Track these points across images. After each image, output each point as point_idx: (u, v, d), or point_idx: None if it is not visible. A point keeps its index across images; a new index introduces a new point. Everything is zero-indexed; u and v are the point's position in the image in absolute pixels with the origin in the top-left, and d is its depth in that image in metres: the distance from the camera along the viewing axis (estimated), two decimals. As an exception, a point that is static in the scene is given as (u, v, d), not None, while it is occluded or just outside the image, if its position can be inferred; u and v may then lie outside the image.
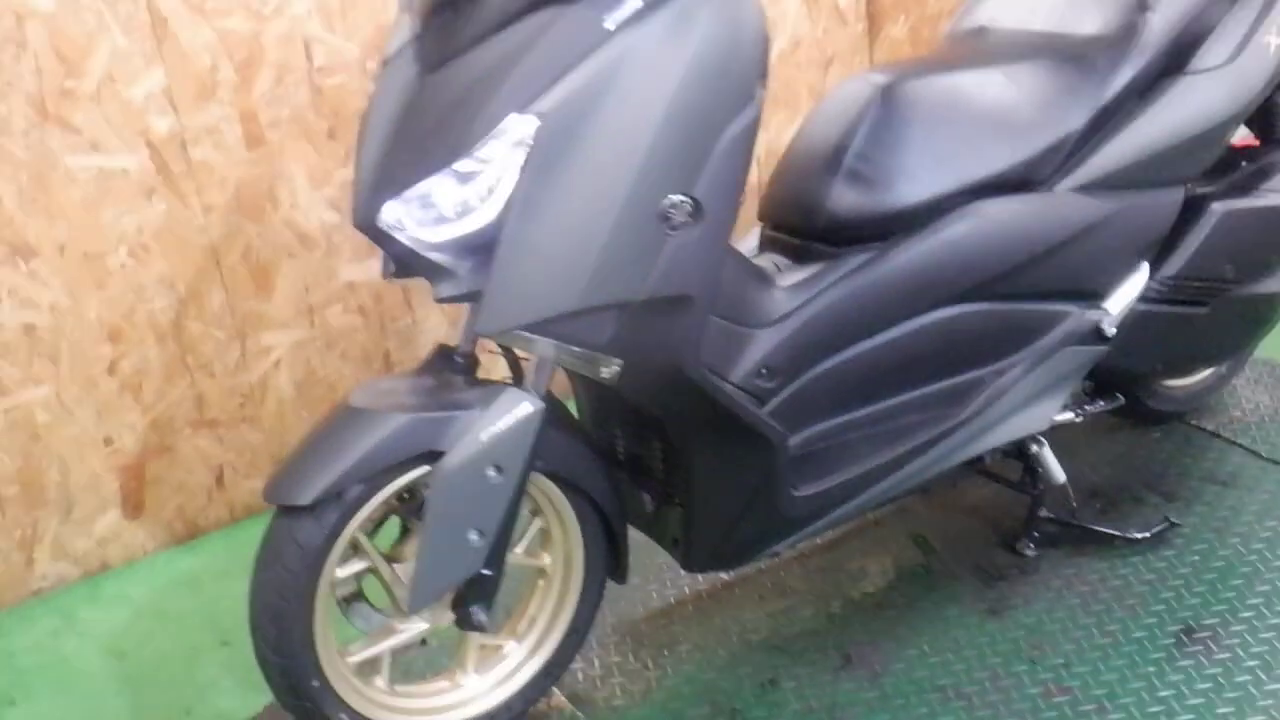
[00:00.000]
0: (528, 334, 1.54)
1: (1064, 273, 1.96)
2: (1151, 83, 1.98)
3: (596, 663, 2.05)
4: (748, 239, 2.02)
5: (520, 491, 1.66)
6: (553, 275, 1.51)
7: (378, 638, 1.77)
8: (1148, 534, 2.15)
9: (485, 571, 1.69)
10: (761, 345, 1.79)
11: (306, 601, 1.63)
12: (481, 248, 1.50)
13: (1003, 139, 1.90)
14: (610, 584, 1.90)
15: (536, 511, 1.84)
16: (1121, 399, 2.21)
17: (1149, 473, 2.41)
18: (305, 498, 1.58)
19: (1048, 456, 2.10)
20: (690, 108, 1.51)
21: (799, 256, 1.91)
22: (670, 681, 1.98)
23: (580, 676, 2.02)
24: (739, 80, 1.55)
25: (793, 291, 1.84)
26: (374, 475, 1.61)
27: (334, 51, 2.62)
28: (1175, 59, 1.98)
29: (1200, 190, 2.12)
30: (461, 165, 1.49)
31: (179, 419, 2.66)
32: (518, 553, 1.83)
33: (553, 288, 1.51)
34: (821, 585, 2.19)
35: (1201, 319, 2.13)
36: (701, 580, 2.23)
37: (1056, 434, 2.14)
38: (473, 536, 1.64)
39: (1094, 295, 2.00)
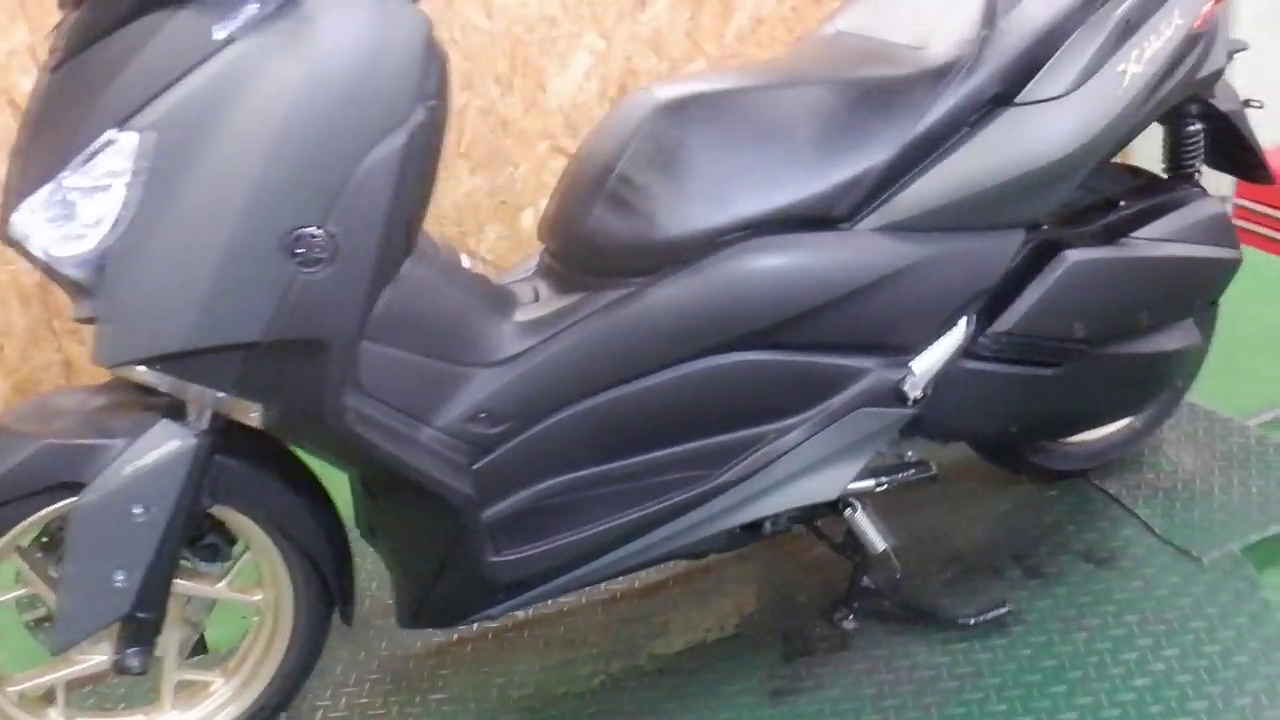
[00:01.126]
0: (144, 369, 1.38)
1: (861, 324, 1.70)
2: (978, 114, 1.68)
3: (344, 701, 1.91)
4: (528, 262, 1.81)
5: (174, 531, 1.52)
6: (161, 308, 1.35)
7: (52, 668, 1.66)
8: (976, 619, 1.88)
9: (140, 614, 1.55)
10: (480, 386, 1.59)
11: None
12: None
13: (794, 168, 1.64)
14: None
15: (248, 546, 1.69)
16: (933, 469, 1.91)
17: (1022, 540, 2.12)
18: None
19: (862, 522, 1.85)
20: (313, 130, 1.33)
21: (563, 287, 1.70)
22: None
23: (321, 716, 1.87)
24: (382, 100, 1.35)
25: (530, 327, 1.64)
26: (6, 502, 1.48)
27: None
28: (1005, 88, 1.68)
29: (1050, 236, 1.82)
30: (70, 179, 1.33)
31: (45, 383, 2.61)
32: (220, 587, 1.69)
33: (161, 322, 1.36)
34: (614, 639, 1.99)
35: (1055, 381, 1.84)
36: (495, 620, 2.04)
37: (938, 484, 1.93)
38: (118, 577, 1.51)
39: (898, 350, 1.73)
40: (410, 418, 1.55)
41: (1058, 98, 1.68)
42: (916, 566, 2.06)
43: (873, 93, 1.66)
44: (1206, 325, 2.11)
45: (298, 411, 1.45)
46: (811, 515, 1.85)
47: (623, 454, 1.68)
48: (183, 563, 1.63)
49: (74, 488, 1.48)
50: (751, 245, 1.64)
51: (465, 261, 1.70)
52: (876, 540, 1.86)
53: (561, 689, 1.90)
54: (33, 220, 1.36)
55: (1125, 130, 1.75)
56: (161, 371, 1.38)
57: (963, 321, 1.74)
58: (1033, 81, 1.67)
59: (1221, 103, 1.99)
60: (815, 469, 1.73)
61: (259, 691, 1.75)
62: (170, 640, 1.69)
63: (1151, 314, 1.88)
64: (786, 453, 1.70)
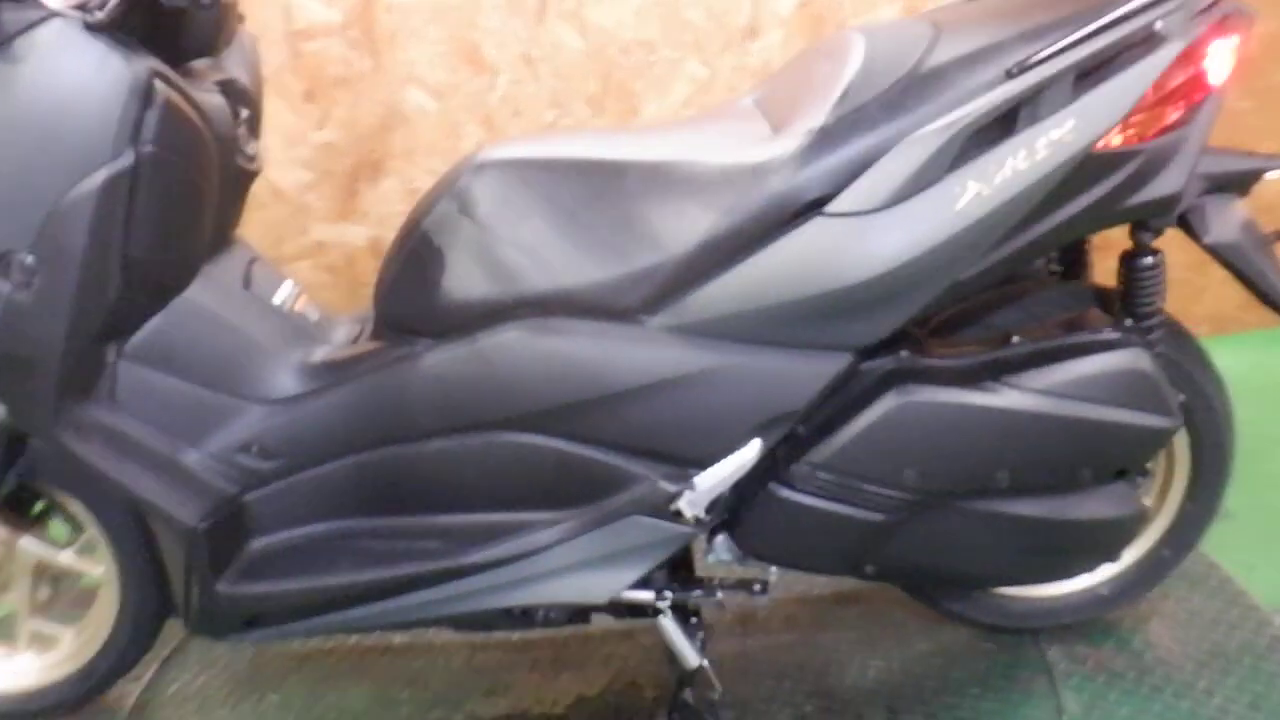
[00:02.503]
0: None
1: (639, 426, 1.57)
2: (790, 218, 1.49)
3: (199, 681, 2.04)
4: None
5: None
6: None
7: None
8: None
9: None
10: (255, 420, 1.64)
11: None
12: None
13: (590, 251, 1.54)
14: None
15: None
16: (763, 589, 1.73)
17: (912, 692, 1.87)
18: None
19: (672, 633, 1.72)
20: (13, 161, 1.42)
21: (370, 336, 1.71)
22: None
23: (174, 690, 2.02)
24: (80, 140, 1.42)
25: (316, 371, 1.66)
26: None
27: (314, 16, 2.65)
28: (824, 193, 1.47)
29: (891, 367, 1.58)
30: None
31: None
32: (66, 554, 1.86)
33: None
34: (449, 688, 1.98)
35: (892, 529, 1.61)
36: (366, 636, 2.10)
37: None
38: None
39: (680, 461, 1.58)
40: (174, 438, 1.62)
41: (871, 212, 1.46)
42: (774, 691, 1.89)
43: (689, 180, 1.52)
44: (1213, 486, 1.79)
45: (20, 417, 1.56)
46: (618, 613, 1.74)
47: (387, 512, 1.67)
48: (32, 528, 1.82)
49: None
50: (531, 324, 1.57)
51: (283, 295, 1.74)
52: (689, 655, 1.73)
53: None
54: None
55: (972, 256, 1.48)
56: None
57: (755, 443, 1.56)
58: (848, 190, 1.46)
59: (1215, 233, 1.63)
60: (583, 569, 1.63)
61: (92, 656, 1.90)
62: (22, 593, 1.88)
63: (1015, 476, 1.59)
64: (551, 546, 1.62)
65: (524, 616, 1.71)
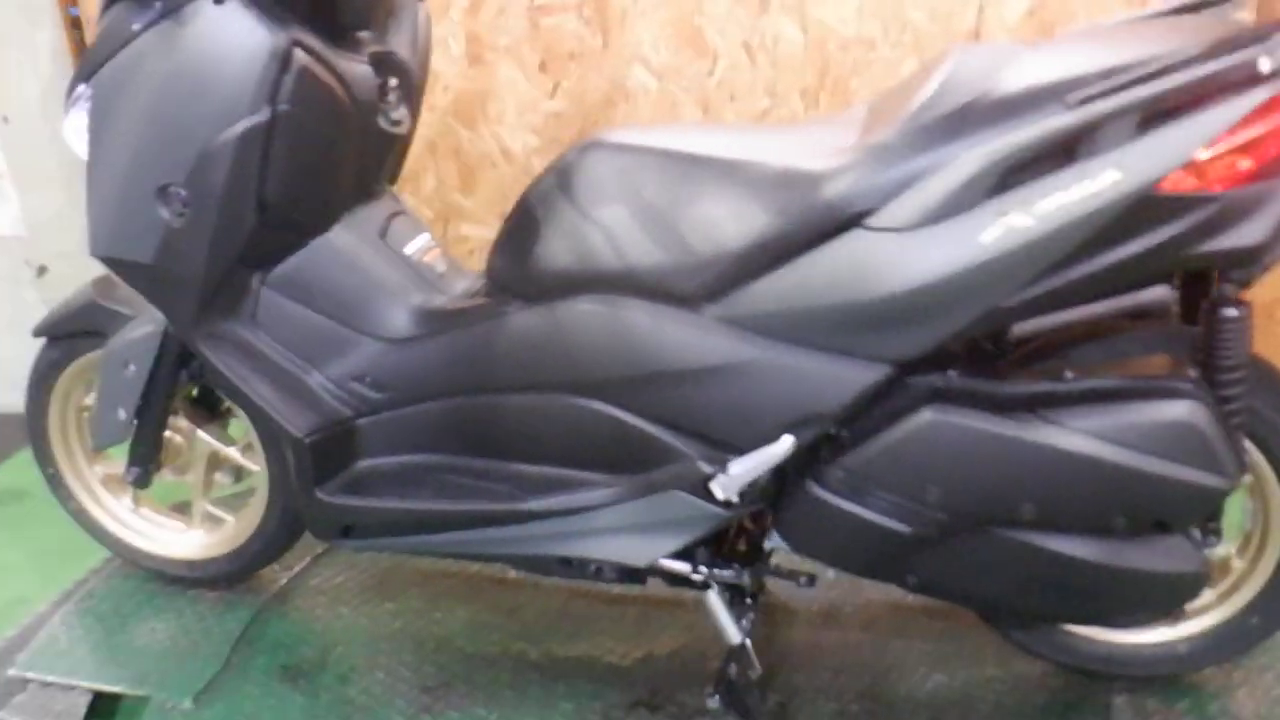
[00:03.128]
0: (107, 267, 1.86)
1: (685, 406, 1.65)
2: (835, 227, 1.53)
3: (339, 579, 2.31)
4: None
5: (155, 390, 2.01)
6: (96, 222, 1.80)
7: (113, 464, 2.26)
8: None
9: (137, 444, 2.07)
10: (369, 354, 1.86)
11: (39, 406, 2.19)
12: None
13: (656, 235, 1.64)
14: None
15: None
16: (809, 580, 1.79)
17: (966, 713, 1.87)
18: (37, 332, 2.11)
19: (715, 608, 1.81)
20: (172, 109, 1.69)
21: (481, 292, 1.88)
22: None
23: (318, 583, 2.30)
24: (229, 93, 1.66)
25: (426, 318, 1.85)
26: (67, 335, 2.07)
27: (554, -7, 2.87)
28: (868, 206, 1.50)
29: (925, 384, 1.58)
30: (72, 111, 1.83)
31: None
32: (233, 450, 2.16)
33: (97, 231, 1.81)
34: (534, 624, 2.15)
35: (919, 543, 1.62)
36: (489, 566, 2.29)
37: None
38: (120, 413, 2.03)
39: (720, 445, 1.65)
40: (301, 360, 1.86)
41: (906, 229, 1.47)
42: (829, 683, 1.93)
43: (754, 180, 1.59)
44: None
45: (173, 325, 1.84)
46: (668, 580, 1.84)
47: (470, 453, 1.84)
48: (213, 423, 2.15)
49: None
50: (601, 299, 1.68)
51: (416, 247, 1.94)
52: (730, 631, 1.81)
53: (466, 646, 2.10)
54: (68, 131, 1.87)
55: (1011, 285, 1.46)
56: (112, 269, 1.85)
57: (788, 439, 1.61)
58: (888, 205, 1.49)
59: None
60: (627, 532, 1.74)
61: (245, 540, 2.20)
62: (198, 477, 2.20)
63: (1042, 511, 1.55)
64: (602, 506, 1.74)
65: (577, 567, 1.84)
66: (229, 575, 2.23)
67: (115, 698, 2.00)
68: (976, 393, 1.57)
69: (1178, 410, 1.52)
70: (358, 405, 1.86)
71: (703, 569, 1.77)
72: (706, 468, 1.66)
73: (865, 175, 1.50)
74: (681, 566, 1.78)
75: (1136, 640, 1.85)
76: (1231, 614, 1.81)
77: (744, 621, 1.82)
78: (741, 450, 1.64)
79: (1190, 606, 1.82)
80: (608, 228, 1.67)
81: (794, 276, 1.56)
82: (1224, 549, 1.78)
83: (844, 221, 1.52)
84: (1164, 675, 1.87)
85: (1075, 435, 1.53)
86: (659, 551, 1.75)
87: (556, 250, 1.71)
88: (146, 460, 2.10)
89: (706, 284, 1.62)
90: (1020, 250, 1.44)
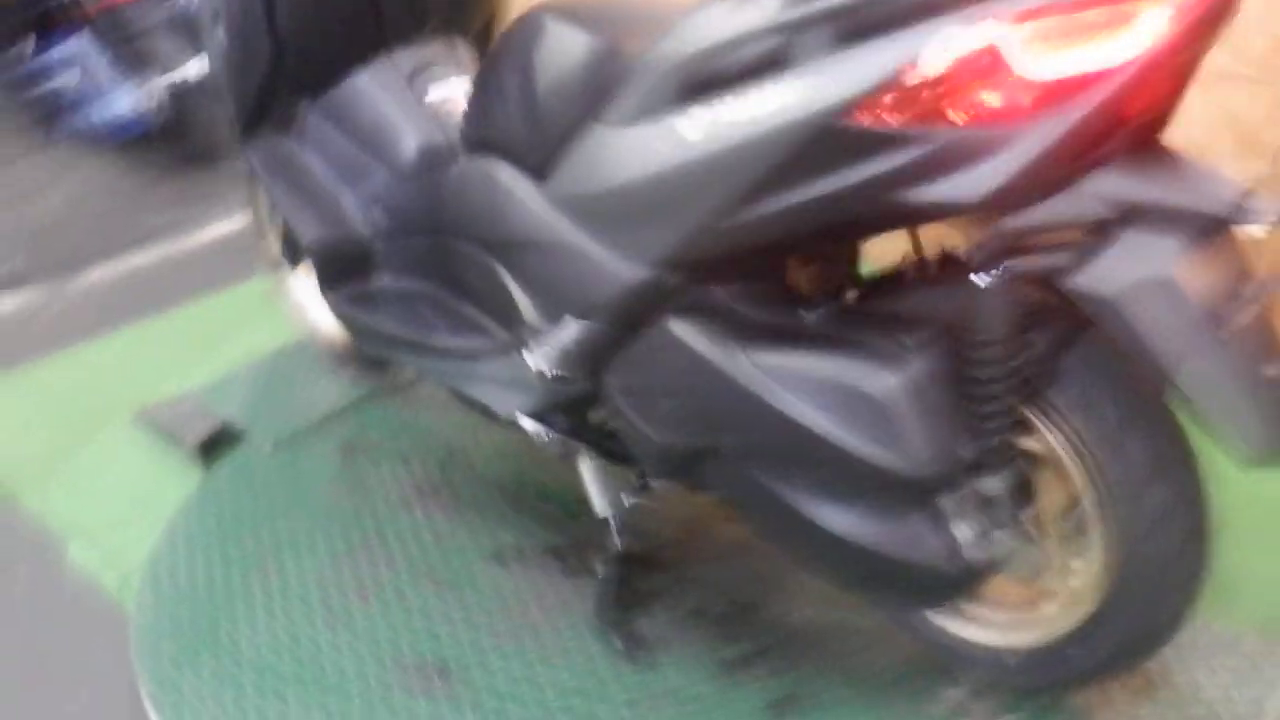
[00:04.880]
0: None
1: (525, 274, 1.75)
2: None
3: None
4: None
5: None
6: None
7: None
8: (625, 647, 1.84)
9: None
10: (383, 183, 2.13)
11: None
12: None
13: (525, 108, 1.73)
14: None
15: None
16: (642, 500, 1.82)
17: (810, 648, 1.82)
18: None
19: (588, 478, 1.92)
20: None
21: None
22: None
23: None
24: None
25: (422, 159, 2.10)
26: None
27: None
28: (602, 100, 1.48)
29: (684, 294, 1.52)
30: None
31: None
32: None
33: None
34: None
35: (675, 449, 1.61)
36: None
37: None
38: None
39: (549, 317, 1.73)
40: (336, 178, 2.19)
41: (619, 125, 1.45)
42: (702, 579, 1.96)
43: (583, 61, 1.61)
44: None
45: (234, 132, 2.23)
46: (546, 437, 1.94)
47: (441, 288, 2.06)
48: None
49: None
50: (490, 160, 1.80)
51: (437, 96, 2.16)
52: (597, 502, 1.91)
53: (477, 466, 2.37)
54: None
55: (714, 200, 1.37)
56: None
57: (572, 324, 1.65)
58: (612, 102, 1.46)
59: (1094, 279, 1.27)
60: (495, 382, 1.89)
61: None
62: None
63: (742, 447, 1.46)
64: (485, 354, 1.91)
65: (478, 409, 2.01)
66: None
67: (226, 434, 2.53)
68: (713, 311, 1.51)
69: (870, 377, 1.37)
70: (374, 228, 2.15)
71: (551, 434, 1.87)
72: (530, 335, 1.76)
73: (609, 65, 1.50)
74: (532, 426, 1.89)
75: (974, 639, 1.66)
76: (1051, 640, 1.57)
77: (623, 499, 1.89)
78: (552, 324, 1.72)
79: (1034, 615, 1.61)
80: (504, 93, 1.78)
81: (576, 163, 1.59)
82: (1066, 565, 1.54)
83: (594, 114, 1.52)
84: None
85: (764, 376, 1.43)
86: (514, 407, 1.88)
87: (480, 109, 1.86)
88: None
89: (540, 160, 1.69)
90: (714, 160, 1.36)
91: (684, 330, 1.52)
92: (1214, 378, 1.26)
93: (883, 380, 1.37)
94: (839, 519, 1.47)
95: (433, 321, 2.03)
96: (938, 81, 1.22)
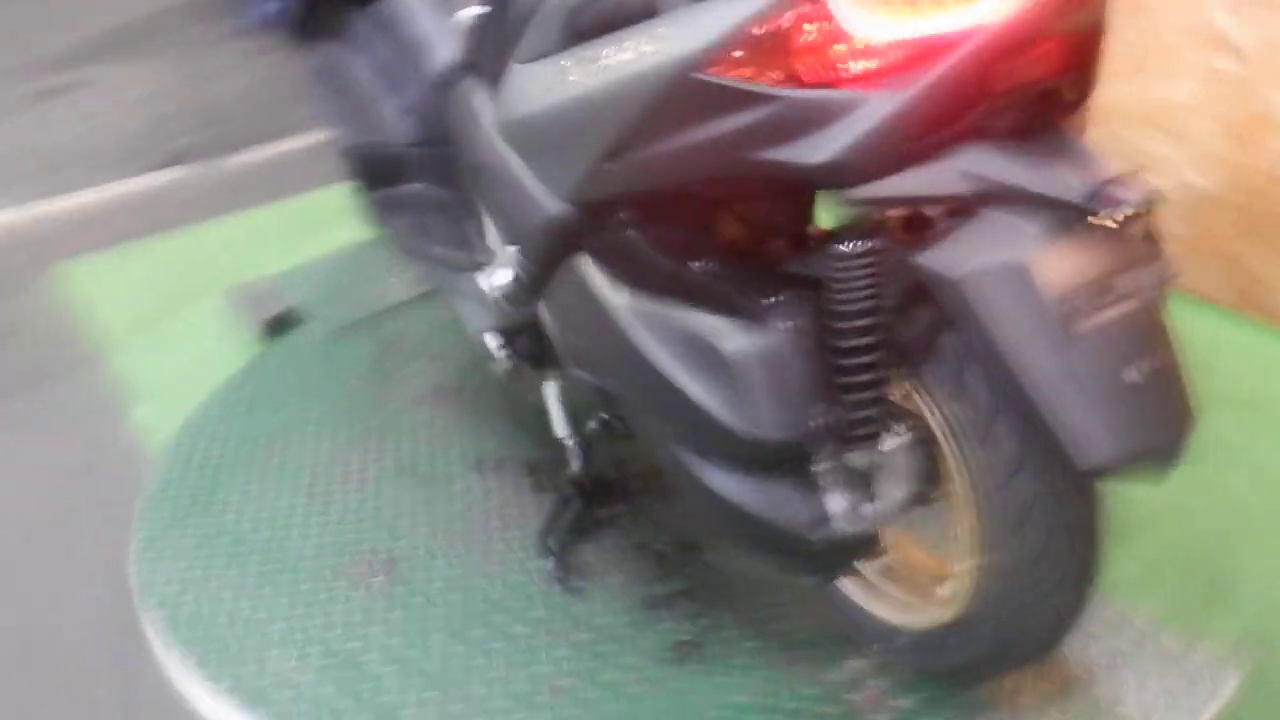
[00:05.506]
0: None
1: (487, 197, 1.77)
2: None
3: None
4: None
5: None
6: None
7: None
8: (557, 563, 1.87)
9: None
10: (418, 92, 2.18)
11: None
12: None
13: (501, 33, 1.73)
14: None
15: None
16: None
17: (755, 592, 1.80)
18: None
19: (550, 400, 1.94)
20: None
21: None
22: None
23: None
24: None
25: (449, 73, 2.14)
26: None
27: None
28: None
29: (591, 225, 1.50)
30: None
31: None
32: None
33: None
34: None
35: (598, 388, 1.62)
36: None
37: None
38: None
39: (505, 241, 1.74)
40: (379, 86, 2.26)
41: (521, 63, 1.44)
42: (655, 515, 1.96)
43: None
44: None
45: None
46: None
47: (445, 196, 2.11)
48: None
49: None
50: (474, 81, 1.83)
51: (462, 15, 2.18)
52: (558, 424, 1.94)
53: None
54: None
55: (599, 141, 1.35)
56: None
57: (510, 250, 1.66)
58: (523, 39, 1.46)
59: (944, 258, 1.19)
60: (470, 299, 1.93)
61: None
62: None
63: (625, 391, 1.44)
64: (463, 269, 1.95)
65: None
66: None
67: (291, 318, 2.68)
68: (624, 258, 1.49)
69: (725, 335, 1.33)
70: (407, 137, 2.21)
71: (510, 355, 1.89)
72: (483, 257, 1.78)
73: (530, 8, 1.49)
74: (493, 344, 1.91)
75: (874, 612, 1.60)
76: (937, 623, 1.49)
77: (588, 426, 1.91)
78: (500, 250, 1.74)
79: (930, 597, 1.54)
80: (490, 19, 1.79)
81: (503, 96, 1.60)
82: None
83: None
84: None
85: (637, 323, 1.41)
86: (482, 325, 1.91)
87: (476, 31, 1.87)
88: None
89: (499, 85, 1.69)
90: (589, 100, 1.35)
91: (585, 267, 1.51)
92: (1056, 377, 1.16)
93: (735, 340, 1.33)
94: (714, 475, 1.44)
95: (436, 232, 2.08)
96: (779, 37, 1.16)
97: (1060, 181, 1.15)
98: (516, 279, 1.71)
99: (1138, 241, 1.20)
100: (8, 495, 2.30)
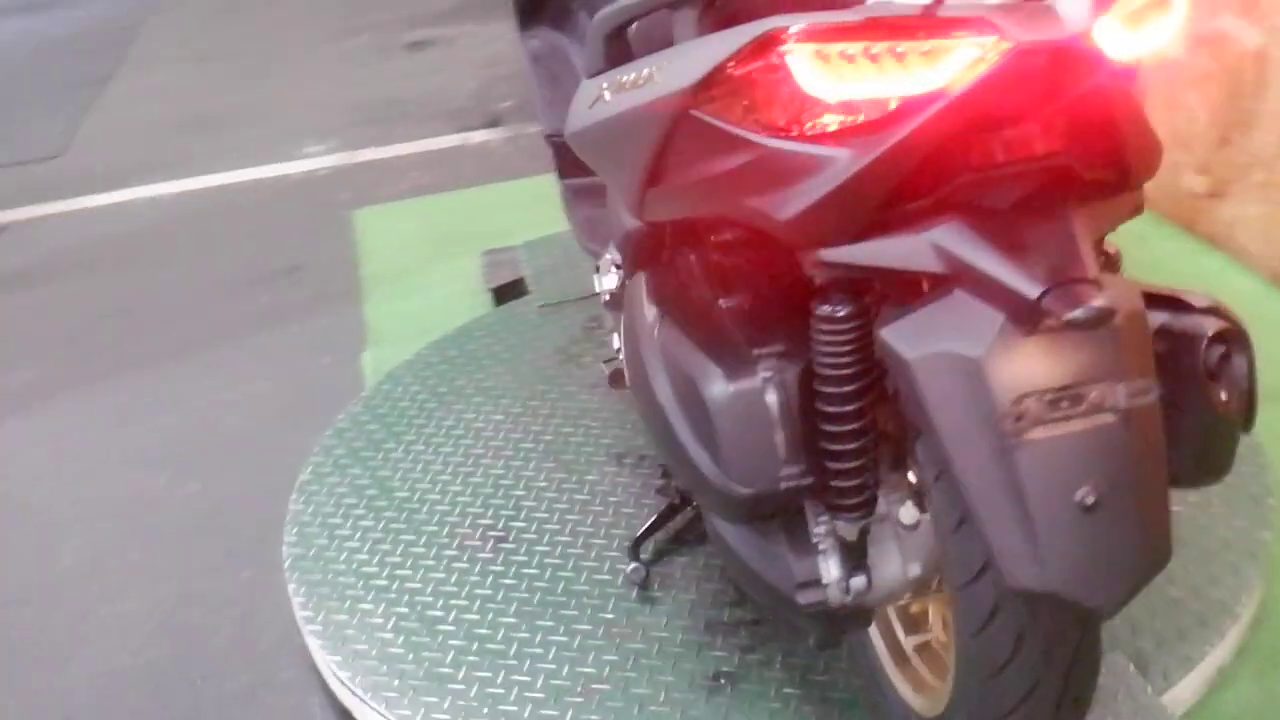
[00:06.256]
0: None
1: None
2: None
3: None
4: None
5: None
6: None
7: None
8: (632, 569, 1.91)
9: None
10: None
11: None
12: None
13: None
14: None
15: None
16: None
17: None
18: None
19: None
20: None
21: None
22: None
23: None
24: None
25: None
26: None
27: None
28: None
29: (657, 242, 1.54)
30: None
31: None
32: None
33: None
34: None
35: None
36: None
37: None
38: None
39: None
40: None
41: (584, 79, 1.46)
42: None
43: None
44: None
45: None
46: None
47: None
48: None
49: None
50: None
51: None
52: None
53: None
54: None
55: (624, 162, 1.37)
56: None
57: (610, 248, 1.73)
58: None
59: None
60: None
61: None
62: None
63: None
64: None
65: None
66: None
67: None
68: (667, 281, 1.49)
69: (707, 379, 1.30)
70: (549, 127, 2.26)
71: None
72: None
73: None
74: (613, 346, 1.94)
75: (899, 687, 1.52)
76: (931, 713, 1.40)
77: None
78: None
79: (939, 681, 1.45)
80: None
81: None
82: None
83: None
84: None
85: (653, 353, 1.41)
86: (608, 327, 1.96)
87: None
88: None
89: None
90: (620, 128, 1.37)
91: (638, 286, 1.53)
92: (994, 483, 1.07)
93: (717, 384, 1.30)
94: (718, 516, 1.43)
95: (597, 228, 2.14)
96: (749, 83, 1.13)
97: (1026, 272, 1.05)
98: (617, 286, 1.75)
99: (1120, 351, 1.07)
100: (232, 406, 2.63)
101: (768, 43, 1.08)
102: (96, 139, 4.45)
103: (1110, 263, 1.25)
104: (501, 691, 1.72)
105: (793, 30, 1.06)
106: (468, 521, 2.07)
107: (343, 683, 1.78)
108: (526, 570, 1.95)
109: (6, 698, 1.95)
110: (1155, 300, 1.29)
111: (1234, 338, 1.24)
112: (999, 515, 1.06)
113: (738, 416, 1.27)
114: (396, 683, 1.76)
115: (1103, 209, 1.15)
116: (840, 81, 1.05)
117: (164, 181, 3.97)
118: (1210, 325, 1.23)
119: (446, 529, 2.06)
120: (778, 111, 1.12)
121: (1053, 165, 1.10)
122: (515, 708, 1.69)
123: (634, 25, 1.40)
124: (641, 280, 1.53)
